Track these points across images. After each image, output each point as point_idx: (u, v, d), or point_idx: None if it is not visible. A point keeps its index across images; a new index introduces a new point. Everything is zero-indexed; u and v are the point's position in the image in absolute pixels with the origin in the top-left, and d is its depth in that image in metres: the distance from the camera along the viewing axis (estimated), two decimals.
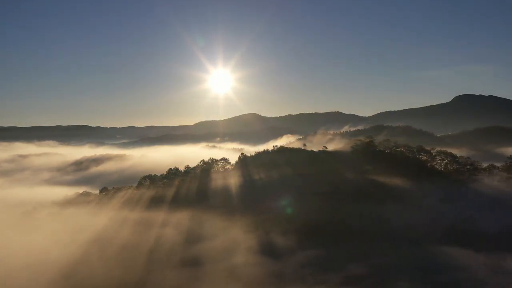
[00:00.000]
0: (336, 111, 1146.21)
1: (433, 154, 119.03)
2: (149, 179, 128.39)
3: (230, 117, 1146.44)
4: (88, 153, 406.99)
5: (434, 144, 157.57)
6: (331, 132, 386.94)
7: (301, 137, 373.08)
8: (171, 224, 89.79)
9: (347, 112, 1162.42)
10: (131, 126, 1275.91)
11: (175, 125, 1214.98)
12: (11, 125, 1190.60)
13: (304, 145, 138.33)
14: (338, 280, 60.75)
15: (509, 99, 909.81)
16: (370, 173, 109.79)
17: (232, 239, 78.77)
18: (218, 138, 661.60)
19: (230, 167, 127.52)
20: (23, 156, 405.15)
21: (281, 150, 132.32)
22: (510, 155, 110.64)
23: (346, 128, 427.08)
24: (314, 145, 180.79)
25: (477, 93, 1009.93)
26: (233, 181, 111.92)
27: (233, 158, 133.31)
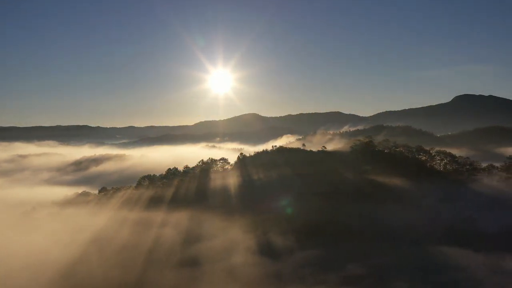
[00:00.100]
0: (336, 111, 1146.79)
1: (433, 154, 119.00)
2: (148, 179, 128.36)
3: (230, 117, 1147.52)
4: (88, 153, 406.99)
5: (434, 144, 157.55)
6: (331, 132, 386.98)
7: (300, 137, 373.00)
8: (170, 224, 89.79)
9: (347, 112, 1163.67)
10: (131, 126, 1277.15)
11: (175, 125, 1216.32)
12: (11, 125, 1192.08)
13: (303, 145, 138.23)
14: (337, 280, 60.74)
15: (509, 99, 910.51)
16: (369, 173, 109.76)
17: (231, 239, 78.75)
18: (218, 138, 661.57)
19: (229, 167, 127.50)
20: (23, 156, 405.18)
21: (280, 150, 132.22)
22: (510, 155, 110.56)
23: (345, 128, 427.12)
24: (314, 145, 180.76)
25: (477, 93, 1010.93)
26: (232, 181, 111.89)
27: (233, 158, 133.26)
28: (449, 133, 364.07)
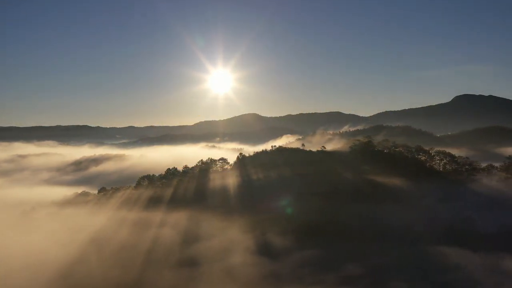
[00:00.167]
0: (336, 111, 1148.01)
1: (432, 154, 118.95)
2: (147, 179, 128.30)
3: (230, 117, 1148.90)
4: (88, 153, 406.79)
5: (434, 144, 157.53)
6: (330, 132, 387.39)
7: (300, 137, 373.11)
8: (169, 224, 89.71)
9: (347, 112, 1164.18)
10: (131, 126, 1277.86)
11: (175, 125, 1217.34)
12: (11, 125, 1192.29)
13: (303, 145, 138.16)
14: (336, 280, 60.69)
15: (509, 99, 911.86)
16: (369, 173, 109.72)
17: (229, 239, 78.67)
18: (218, 138, 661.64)
19: (229, 167, 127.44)
20: (23, 156, 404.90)
21: (280, 150, 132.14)
22: (509, 155, 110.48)
23: (345, 128, 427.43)
24: (313, 145, 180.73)
25: (477, 93, 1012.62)
26: (231, 181, 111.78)
27: (233, 158, 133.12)
28: (449, 133, 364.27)
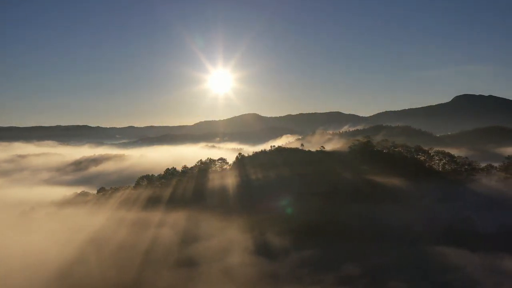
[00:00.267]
0: (336, 111, 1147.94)
1: (431, 154, 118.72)
2: (146, 179, 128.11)
3: (230, 117, 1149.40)
4: (88, 153, 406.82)
5: (434, 144, 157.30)
6: (330, 132, 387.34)
7: (300, 137, 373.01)
8: (168, 224, 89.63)
9: (347, 112, 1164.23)
10: (131, 126, 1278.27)
11: (175, 125, 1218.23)
12: (11, 125, 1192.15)
13: (302, 145, 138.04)
14: (334, 280, 60.64)
15: (509, 99, 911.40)
16: (368, 173, 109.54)
17: (228, 240, 78.58)
18: (218, 138, 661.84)
19: (228, 167, 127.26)
20: (22, 156, 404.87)
21: (279, 150, 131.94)
22: (508, 155, 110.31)
23: (345, 128, 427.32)
24: (313, 145, 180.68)
25: (477, 93, 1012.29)
26: (230, 181, 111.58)
27: (232, 158, 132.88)
28: (449, 133, 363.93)
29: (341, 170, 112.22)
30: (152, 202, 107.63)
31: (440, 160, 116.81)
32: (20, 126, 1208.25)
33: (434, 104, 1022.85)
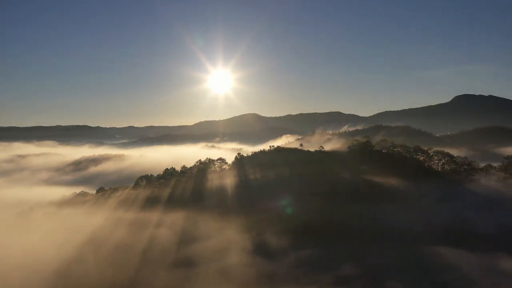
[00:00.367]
0: (336, 111, 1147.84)
1: (430, 154, 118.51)
2: (145, 179, 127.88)
3: (230, 117, 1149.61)
4: (87, 153, 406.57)
5: (433, 144, 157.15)
6: (330, 132, 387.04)
7: (300, 137, 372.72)
8: (166, 224, 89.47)
9: (347, 112, 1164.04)
10: (131, 126, 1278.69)
11: (175, 125, 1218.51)
12: (11, 125, 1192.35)
13: (301, 145, 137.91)
14: (331, 280, 60.44)
15: (509, 99, 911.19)
16: (367, 173, 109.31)
17: (226, 240, 78.41)
18: (218, 138, 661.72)
19: (227, 167, 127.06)
20: (22, 156, 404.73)
21: (278, 150, 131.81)
22: (507, 155, 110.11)
23: (345, 128, 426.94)
24: (312, 145, 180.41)
25: (477, 93, 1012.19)
26: (229, 181, 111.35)
27: (232, 158, 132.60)
28: (449, 133, 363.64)
29: (340, 170, 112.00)
30: (150, 202, 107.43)
31: (440, 160, 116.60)
32: (20, 126, 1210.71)
33: (434, 104, 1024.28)
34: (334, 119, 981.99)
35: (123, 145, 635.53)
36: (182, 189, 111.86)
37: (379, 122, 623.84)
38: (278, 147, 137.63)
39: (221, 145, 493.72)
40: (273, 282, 62.55)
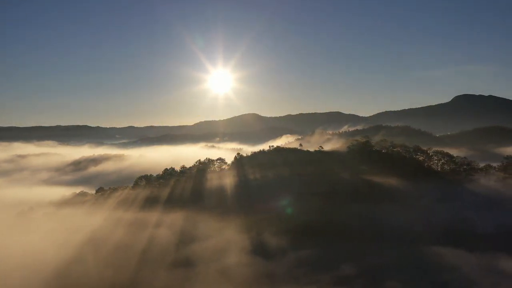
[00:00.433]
0: (336, 111, 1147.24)
1: (430, 154, 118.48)
2: (145, 179, 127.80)
3: (230, 117, 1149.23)
4: (87, 153, 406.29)
5: (433, 144, 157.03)
6: (330, 132, 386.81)
7: (300, 137, 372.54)
8: (165, 225, 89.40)
9: (347, 112, 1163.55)
10: (131, 126, 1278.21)
11: (175, 125, 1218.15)
12: (11, 125, 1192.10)
13: (300, 145, 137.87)
14: (330, 280, 60.42)
15: (509, 99, 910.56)
16: (366, 173, 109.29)
17: (226, 240, 78.37)
18: (218, 138, 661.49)
19: (226, 167, 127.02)
20: (22, 156, 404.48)
21: (277, 150, 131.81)
22: (507, 155, 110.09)
23: (344, 128, 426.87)
24: (312, 145, 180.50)
25: (477, 93, 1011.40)
26: (229, 181, 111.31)
27: (232, 159, 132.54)
28: (449, 133, 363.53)
29: (340, 170, 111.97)
30: (150, 202, 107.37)
31: (439, 160, 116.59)
32: (20, 126, 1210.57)
33: (434, 104, 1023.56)
34: (334, 119, 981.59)
35: (123, 145, 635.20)
36: (182, 189, 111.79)
37: (379, 122, 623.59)
38: (278, 147, 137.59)
39: (221, 145, 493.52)
40: (272, 282, 62.53)
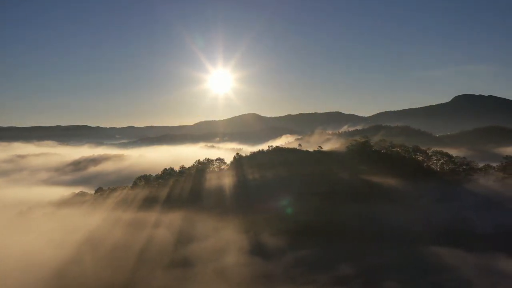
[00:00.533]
0: (336, 111, 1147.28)
1: (429, 154, 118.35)
2: (144, 179, 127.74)
3: (230, 117, 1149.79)
4: (87, 153, 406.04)
5: (433, 144, 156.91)
6: (329, 132, 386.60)
7: (300, 137, 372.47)
8: (164, 225, 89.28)
9: (346, 112, 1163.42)
10: (131, 126, 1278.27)
11: (175, 125, 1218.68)
12: (11, 125, 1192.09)
13: (299, 145, 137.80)
14: (328, 280, 60.30)
15: (509, 99, 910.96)
16: (365, 173, 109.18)
17: (224, 240, 78.27)
18: (218, 138, 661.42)
19: (226, 167, 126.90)
20: (22, 156, 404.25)
21: (277, 150, 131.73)
22: (506, 155, 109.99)
23: (344, 128, 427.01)
24: (312, 145, 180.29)
25: (477, 93, 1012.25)
26: (228, 181, 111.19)
27: (232, 158, 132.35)
28: (449, 133, 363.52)
29: (339, 170, 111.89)
30: (148, 202, 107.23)
31: (438, 160, 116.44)
32: (20, 126, 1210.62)
33: (433, 104, 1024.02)
34: (334, 119, 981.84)
35: (123, 145, 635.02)
36: (180, 189, 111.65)
37: (379, 122, 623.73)
38: (277, 147, 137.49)
39: (221, 145, 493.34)
40: (270, 282, 62.40)
